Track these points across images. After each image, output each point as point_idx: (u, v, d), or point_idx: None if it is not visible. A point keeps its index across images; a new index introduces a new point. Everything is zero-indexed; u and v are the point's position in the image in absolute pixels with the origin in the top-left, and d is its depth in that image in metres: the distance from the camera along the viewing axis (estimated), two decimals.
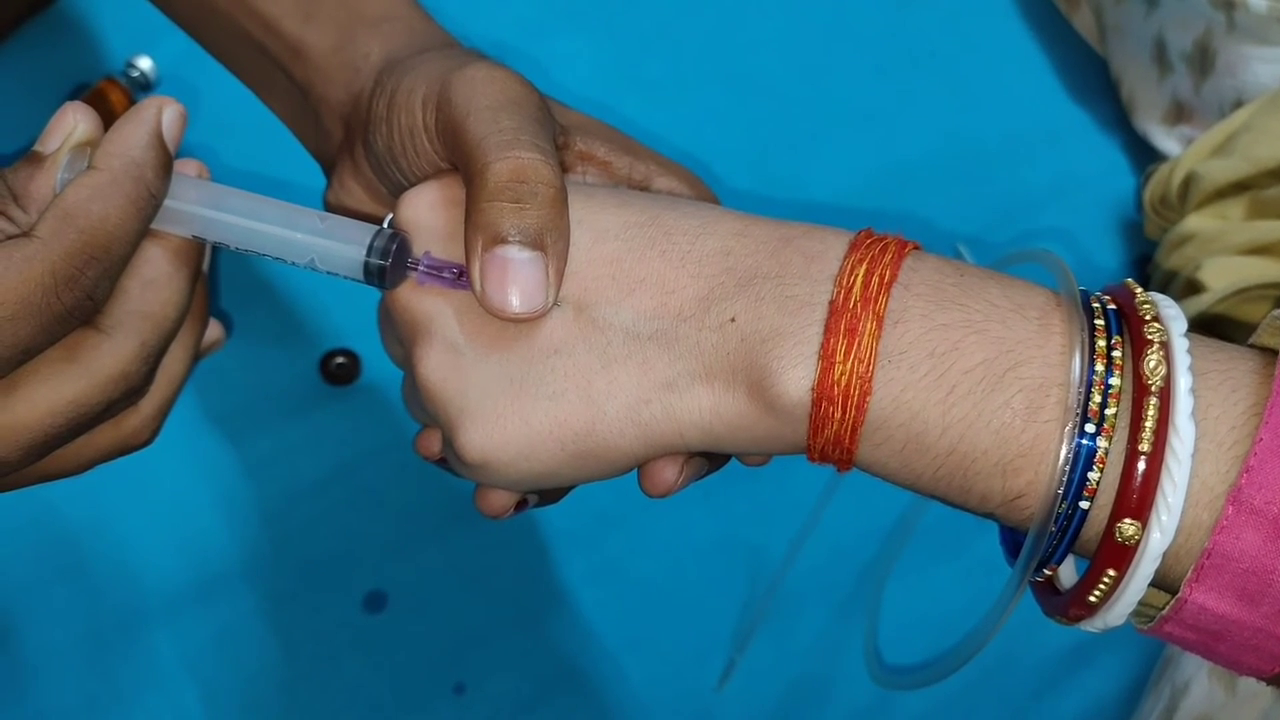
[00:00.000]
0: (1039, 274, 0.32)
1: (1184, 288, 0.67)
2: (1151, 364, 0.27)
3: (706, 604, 0.61)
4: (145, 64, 0.65)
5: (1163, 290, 0.69)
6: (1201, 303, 0.63)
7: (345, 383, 0.62)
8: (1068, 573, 0.31)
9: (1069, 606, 0.29)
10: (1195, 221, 0.67)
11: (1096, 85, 0.75)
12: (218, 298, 0.57)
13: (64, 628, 0.56)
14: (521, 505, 0.35)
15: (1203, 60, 0.69)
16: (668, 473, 0.32)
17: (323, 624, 0.58)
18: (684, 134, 0.68)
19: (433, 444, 0.35)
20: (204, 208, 0.32)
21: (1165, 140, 0.73)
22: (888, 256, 0.30)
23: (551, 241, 0.31)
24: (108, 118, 0.65)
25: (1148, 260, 0.72)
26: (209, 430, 0.59)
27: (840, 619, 0.62)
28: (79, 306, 0.30)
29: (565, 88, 0.67)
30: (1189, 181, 0.68)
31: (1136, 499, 0.27)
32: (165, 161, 0.32)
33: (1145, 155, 0.73)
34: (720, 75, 0.72)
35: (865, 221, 0.76)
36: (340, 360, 0.61)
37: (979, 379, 0.28)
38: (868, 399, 0.28)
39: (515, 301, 0.30)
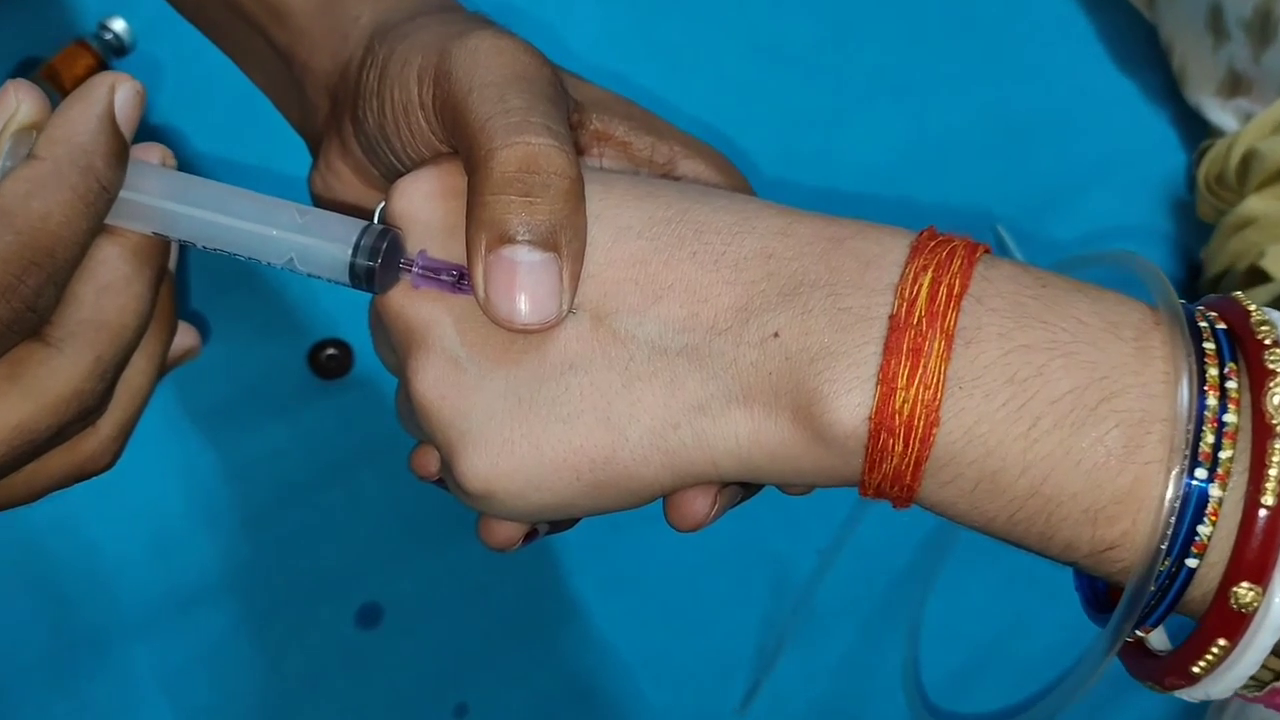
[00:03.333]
0: (1107, 279, 0.29)
1: (1244, 277, 0.63)
2: (1276, 400, 0.24)
3: (728, 619, 0.60)
4: (119, 26, 0.62)
5: (1219, 279, 0.66)
6: (1265, 294, 0.60)
7: (336, 376, 0.60)
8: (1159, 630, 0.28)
9: (1165, 674, 0.26)
10: (1257, 204, 0.64)
11: (1145, 54, 0.72)
12: (186, 290, 0.54)
13: (30, 645, 0.54)
14: (531, 536, 0.33)
15: (1263, 28, 0.65)
16: (698, 504, 0.30)
17: (312, 640, 0.57)
18: (703, 104, 0.65)
19: (430, 463, 0.33)
20: (166, 200, 0.30)
21: (1220, 114, 0.69)
22: (956, 263, 0.27)
23: (566, 241, 0.28)
24: (77, 84, 0.62)
25: (1200, 243, 0.69)
26: (187, 430, 0.57)
27: (872, 635, 0.60)
28: (19, 320, 0.27)
29: (574, 53, 0.64)
30: (1249, 160, 0.65)
31: (1256, 559, 0.24)
32: (118, 148, 0.29)
33: (1197, 130, 0.70)
34: (743, 41, 0.69)
35: (897, 199, 0.74)
36: (331, 352, 0.59)
37: (1067, 410, 0.25)
38: (934, 431, 0.26)
39: (524, 310, 0.28)
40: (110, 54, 0.62)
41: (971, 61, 0.71)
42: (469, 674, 0.57)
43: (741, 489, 0.31)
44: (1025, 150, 0.70)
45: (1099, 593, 0.29)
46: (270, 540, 0.57)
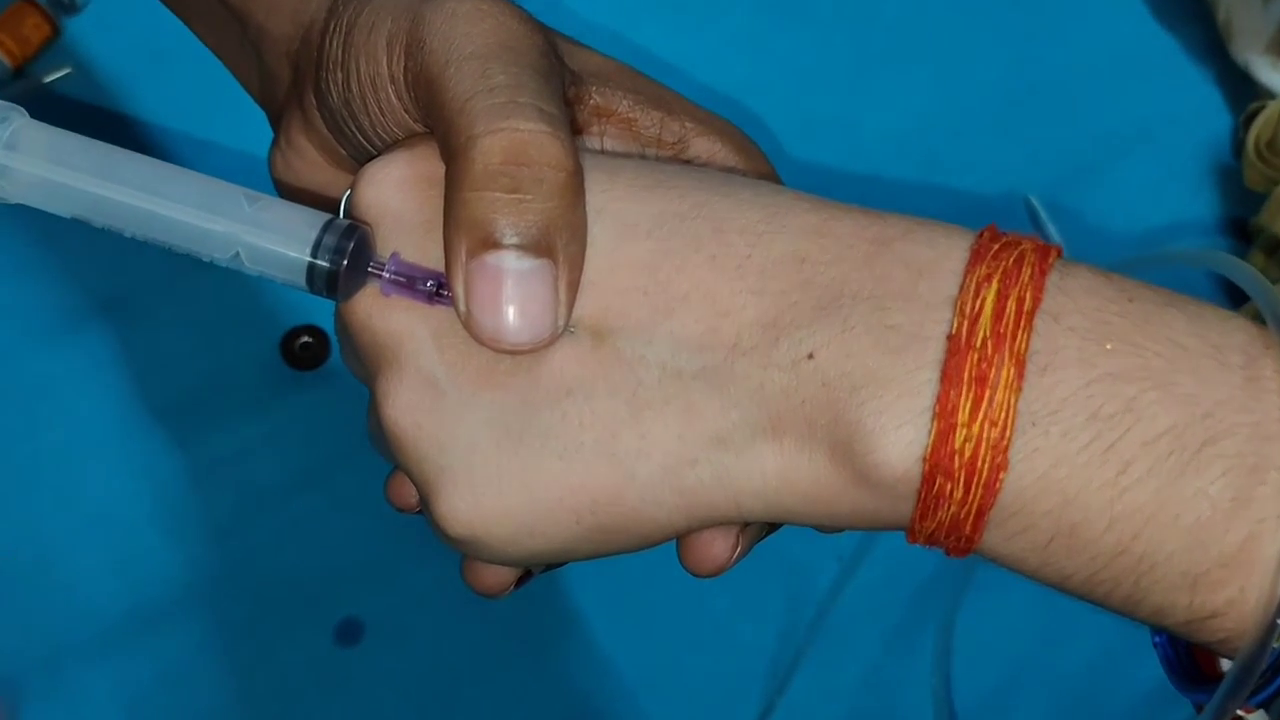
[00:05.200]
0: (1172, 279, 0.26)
1: None
2: None
3: (739, 632, 0.57)
4: None
5: (1270, 256, 0.63)
6: None
7: (312, 366, 0.58)
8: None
9: None
10: None
11: (1187, 8, 0.70)
12: (141, 269, 0.52)
13: None
14: (524, 579, 0.31)
15: None
16: (716, 548, 0.28)
17: (286, 659, 0.55)
18: (709, 65, 0.63)
19: (409, 493, 0.30)
20: (87, 178, 0.26)
21: (1270, 74, 0.67)
22: (1026, 271, 0.24)
23: (562, 244, 0.25)
24: (24, 45, 0.58)
25: (1249, 214, 0.67)
26: (147, 429, 0.55)
27: (898, 649, 0.58)
28: None
29: (566, 10, 0.62)
30: None
31: None
32: None
33: (1245, 91, 0.68)
34: None
35: (921, 166, 0.72)
36: (305, 340, 0.57)
37: (1164, 454, 0.22)
38: (1001, 475, 0.23)
39: (512, 326, 0.25)
40: (60, 12, 0.59)
41: (1000, 17, 0.69)
42: (458, 695, 0.56)
43: (766, 524, 0.29)
44: (1058, 113, 0.68)
45: (1183, 655, 0.26)
46: (240, 549, 0.55)
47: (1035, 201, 0.65)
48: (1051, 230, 0.64)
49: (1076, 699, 0.57)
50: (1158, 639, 0.27)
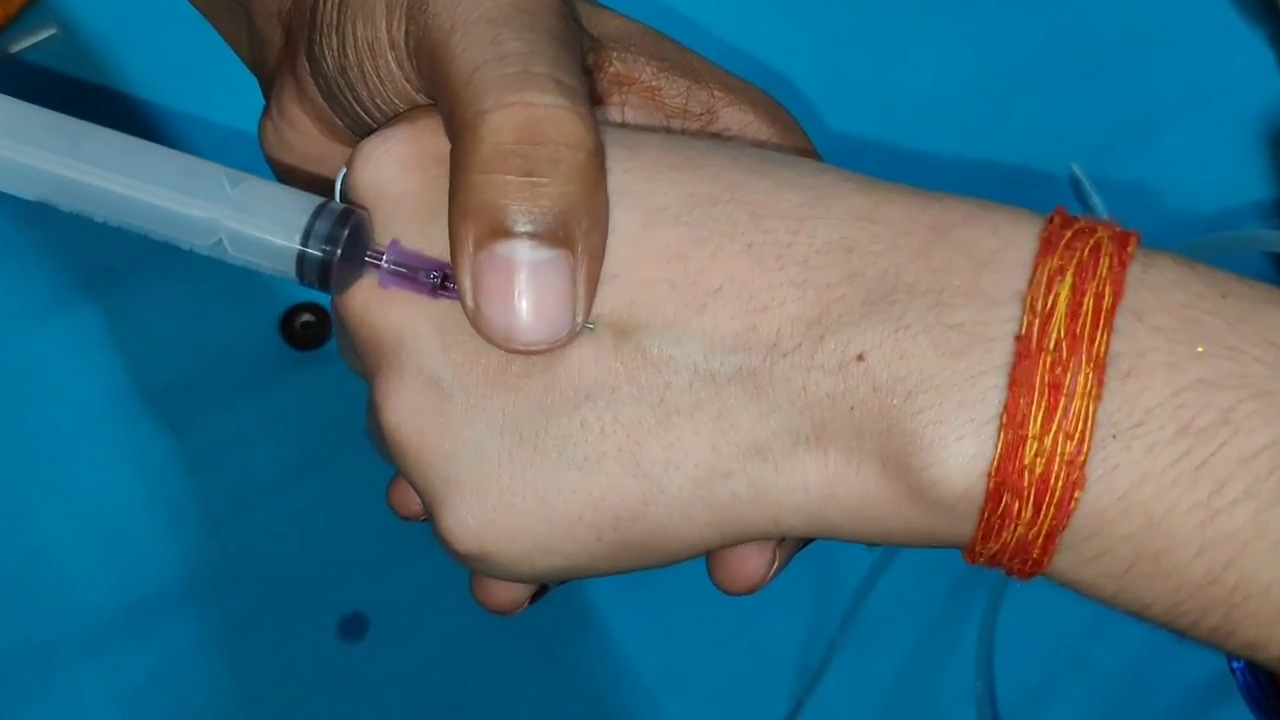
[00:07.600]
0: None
1: None
2: None
3: (765, 628, 0.57)
4: None
5: None
6: None
7: (313, 346, 0.57)
8: None
9: None
10: None
11: None
12: (127, 246, 0.51)
13: None
14: (539, 594, 0.30)
15: None
16: (752, 565, 0.27)
17: (288, 655, 0.54)
18: (733, 23, 0.61)
19: (413, 500, 0.29)
20: (51, 154, 0.25)
21: None
22: (1104, 262, 0.22)
23: (581, 232, 0.24)
24: (4, 4, 0.56)
25: None
26: (140, 413, 0.54)
27: (934, 645, 0.57)
28: None
29: None
30: None
31: None
32: None
33: None
34: None
35: (957, 133, 0.70)
36: (307, 318, 0.56)
37: (1264, 473, 0.21)
38: (1077, 494, 0.21)
39: (526, 324, 0.24)
40: None
41: None
42: (466, 693, 0.55)
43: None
44: (1102, 76, 0.66)
45: (1264, 684, 0.25)
46: (238, 540, 0.55)
47: (1079, 170, 0.64)
48: (1096, 201, 0.63)
49: (1123, 694, 0.56)
50: (1236, 664, 0.26)
